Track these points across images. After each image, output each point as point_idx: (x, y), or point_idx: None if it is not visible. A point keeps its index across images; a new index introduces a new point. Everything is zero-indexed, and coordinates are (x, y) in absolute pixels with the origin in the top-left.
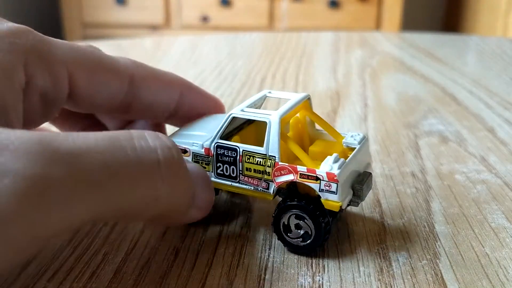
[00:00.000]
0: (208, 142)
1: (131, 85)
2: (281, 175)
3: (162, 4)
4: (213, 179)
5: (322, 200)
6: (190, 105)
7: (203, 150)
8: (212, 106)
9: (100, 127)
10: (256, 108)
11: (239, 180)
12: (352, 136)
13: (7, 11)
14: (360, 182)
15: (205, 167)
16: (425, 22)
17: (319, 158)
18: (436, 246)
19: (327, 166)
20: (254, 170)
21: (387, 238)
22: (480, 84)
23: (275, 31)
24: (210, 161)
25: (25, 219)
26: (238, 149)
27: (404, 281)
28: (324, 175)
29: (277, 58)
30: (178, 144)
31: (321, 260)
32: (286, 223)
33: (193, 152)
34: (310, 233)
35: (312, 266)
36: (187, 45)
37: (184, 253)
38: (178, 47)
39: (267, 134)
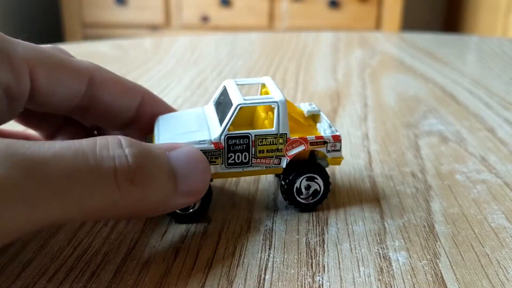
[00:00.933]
0: (216, 136)
1: (90, 86)
2: (293, 148)
3: (162, 4)
4: (223, 170)
5: (329, 158)
6: (150, 114)
7: (212, 145)
8: None
9: (75, 124)
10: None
11: (251, 164)
12: (309, 105)
13: (7, 11)
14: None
15: (214, 161)
16: (425, 22)
17: (298, 129)
18: (436, 246)
19: (329, 131)
20: (267, 151)
21: (387, 238)
22: (480, 84)
23: (275, 31)
24: (220, 154)
25: None
26: (251, 136)
27: (404, 281)
28: (331, 138)
29: (277, 58)
30: None
31: (321, 260)
32: (298, 186)
33: (201, 150)
34: (319, 190)
35: (312, 266)
36: (187, 45)
37: (184, 253)
38: (178, 47)
39: (276, 114)
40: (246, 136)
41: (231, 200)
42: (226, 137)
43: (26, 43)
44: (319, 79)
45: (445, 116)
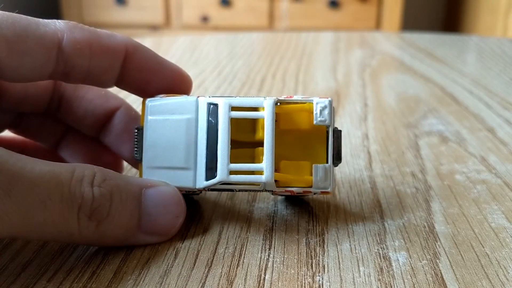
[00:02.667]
0: (201, 186)
1: (60, 53)
2: (279, 192)
3: (162, 4)
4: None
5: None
6: (138, 69)
7: (197, 189)
8: (171, 78)
9: (77, 133)
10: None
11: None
12: (322, 109)
13: (6, 11)
14: (339, 156)
15: (198, 194)
16: (425, 22)
17: (290, 139)
18: (436, 246)
19: (319, 183)
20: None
21: (387, 238)
22: (480, 84)
23: (275, 31)
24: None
25: None
26: (235, 189)
27: (404, 281)
28: (319, 192)
29: (277, 58)
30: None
31: (321, 260)
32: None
33: (186, 190)
34: None
35: (312, 266)
36: (187, 45)
37: (184, 253)
38: (178, 47)
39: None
40: (231, 190)
41: (231, 200)
42: (209, 189)
43: None
44: (319, 79)
45: (445, 116)
